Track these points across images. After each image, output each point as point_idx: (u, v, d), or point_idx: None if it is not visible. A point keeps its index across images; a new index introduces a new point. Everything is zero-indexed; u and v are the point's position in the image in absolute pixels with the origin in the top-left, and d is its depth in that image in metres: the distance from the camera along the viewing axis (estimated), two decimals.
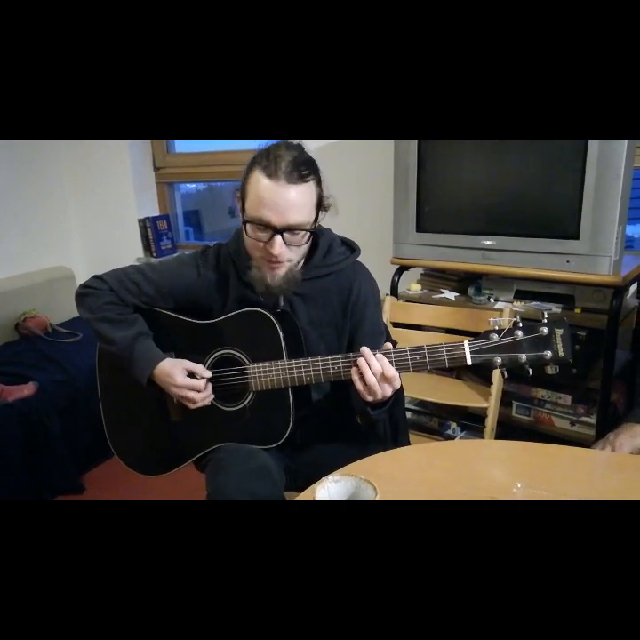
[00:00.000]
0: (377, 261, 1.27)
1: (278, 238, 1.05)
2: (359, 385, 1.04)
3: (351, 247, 1.23)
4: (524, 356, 0.98)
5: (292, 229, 1.06)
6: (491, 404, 1.62)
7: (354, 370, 1.04)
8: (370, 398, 1.05)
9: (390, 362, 1.04)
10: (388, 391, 1.05)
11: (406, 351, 1.05)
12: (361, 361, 1.03)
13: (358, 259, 1.23)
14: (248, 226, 1.07)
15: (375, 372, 1.02)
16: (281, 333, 1.13)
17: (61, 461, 2.15)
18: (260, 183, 1.03)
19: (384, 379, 1.03)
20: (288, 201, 1.03)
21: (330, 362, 1.08)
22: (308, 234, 1.09)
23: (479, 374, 1.81)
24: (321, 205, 1.11)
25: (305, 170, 1.04)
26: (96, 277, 1.23)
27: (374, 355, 1.03)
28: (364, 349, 1.04)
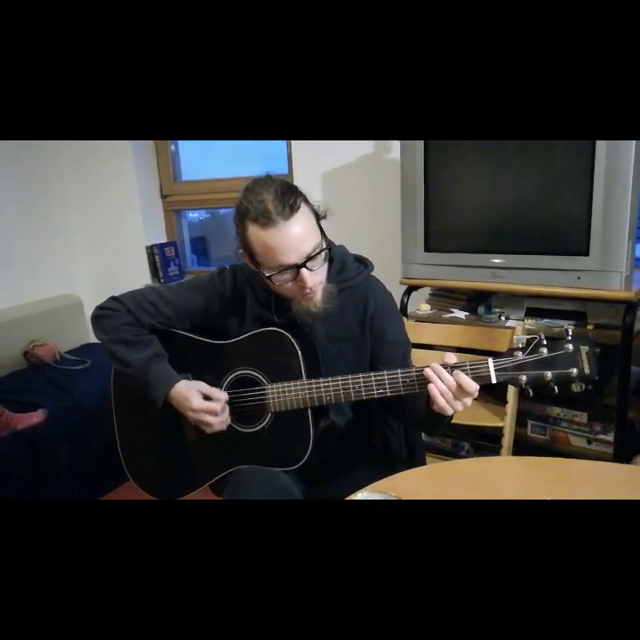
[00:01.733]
0: (386, 281, 1.27)
1: (305, 272, 1.05)
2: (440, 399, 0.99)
3: (364, 263, 1.24)
4: (549, 374, 0.96)
5: (311, 257, 1.05)
6: (506, 423, 1.61)
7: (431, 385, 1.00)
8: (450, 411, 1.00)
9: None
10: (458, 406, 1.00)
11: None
12: (429, 373, 0.99)
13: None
14: (273, 278, 1.07)
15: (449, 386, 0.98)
16: (300, 352, 1.13)
17: (69, 488, 2.12)
18: (261, 236, 1.03)
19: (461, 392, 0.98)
20: (296, 236, 1.03)
21: (350, 381, 1.08)
22: (326, 251, 1.09)
23: (493, 393, 1.80)
24: (318, 218, 1.10)
25: (290, 199, 1.02)
26: (113, 299, 1.23)
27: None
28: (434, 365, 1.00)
